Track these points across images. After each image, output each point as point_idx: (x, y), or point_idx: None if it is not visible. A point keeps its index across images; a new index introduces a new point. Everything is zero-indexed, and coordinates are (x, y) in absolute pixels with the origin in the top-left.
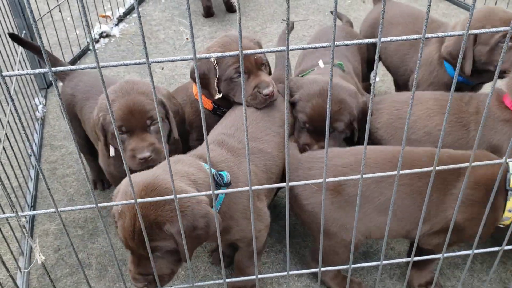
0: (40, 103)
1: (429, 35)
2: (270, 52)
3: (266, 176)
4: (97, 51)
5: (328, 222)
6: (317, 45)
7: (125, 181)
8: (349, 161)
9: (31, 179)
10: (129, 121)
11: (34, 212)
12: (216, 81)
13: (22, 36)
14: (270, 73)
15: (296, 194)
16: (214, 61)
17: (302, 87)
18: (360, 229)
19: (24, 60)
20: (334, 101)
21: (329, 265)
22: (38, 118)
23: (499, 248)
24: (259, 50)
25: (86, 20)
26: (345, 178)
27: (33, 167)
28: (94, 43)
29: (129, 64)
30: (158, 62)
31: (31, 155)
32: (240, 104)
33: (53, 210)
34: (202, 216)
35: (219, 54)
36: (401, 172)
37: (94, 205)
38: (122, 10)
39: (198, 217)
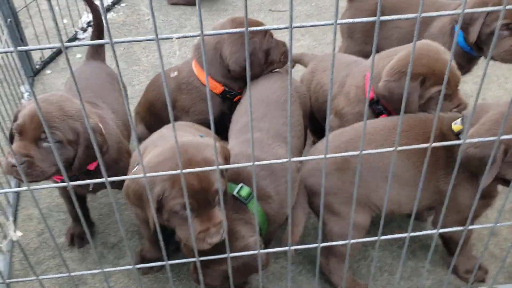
0: (26, 91)
1: (425, 14)
2: (274, 29)
3: None
4: (84, 40)
5: (339, 201)
6: (321, 22)
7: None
8: (351, 136)
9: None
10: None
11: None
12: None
13: (7, 23)
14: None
15: (303, 177)
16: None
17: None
18: (373, 200)
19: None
20: None
21: (335, 252)
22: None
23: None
24: (264, 28)
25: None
26: (344, 154)
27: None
28: (82, 32)
29: (139, 41)
30: (166, 38)
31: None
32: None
33: (65, 184)
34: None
35: (227, 31)
36: (398, 148)
37: (66, 184)
38: (110, 0)
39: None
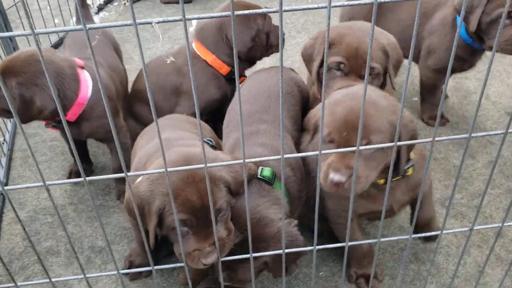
0: None
1: None
2: (264, 12)
3: None
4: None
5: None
6: (314, 6)
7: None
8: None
9: (2, 167)
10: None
11: (17, 187)
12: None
13: None
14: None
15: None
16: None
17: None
18: None
19: None
20: (366, 39)
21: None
22: None
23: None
24: (254, 11)
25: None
26: (340, 150)
27: (4, 155)
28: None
29: (166, 21)
30: (146, 23)
31: (3, 143)
32: None
33: (40, 184)
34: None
35: (211, 15)
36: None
37: (82, 179)
38: None
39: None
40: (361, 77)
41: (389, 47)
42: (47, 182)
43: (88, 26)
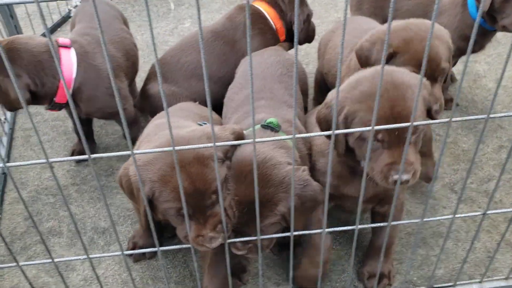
0: None
1: None
2: None
3: None
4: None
5: None
6: None
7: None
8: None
9: (3, 146)
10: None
11: (18, 164)
12: None
13: None
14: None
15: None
16: None
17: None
18: None
19: None
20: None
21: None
22: None
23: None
24: None
25: None
26: (353, 130)
27: (5, 134)
28: (73, 9)
29: None
30: None
31: (4, 122)
32: None
33: (43, 161)
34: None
35: None
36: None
37: (87, 156)
38: None
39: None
40: (435, 79)
41: (450, 41)
42: (50, 160)
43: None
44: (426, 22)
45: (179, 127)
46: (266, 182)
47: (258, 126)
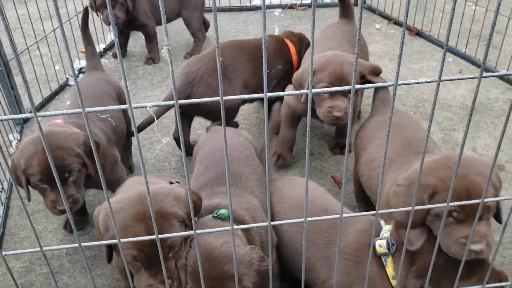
0: (14, 139)
1: None
2: None
3: None
4: (75, 87)
5: None
6: None
7: None
8: None
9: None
10: (48, 175)
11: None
12: None
13: None
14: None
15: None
16: None
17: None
18: None
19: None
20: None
21: None
22: (11, 154)
23: None
24: None
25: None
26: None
27: (2, 204)
28: (75, 76)
29: (159, 105)
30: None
31: (1, 191)
32: None
33: (37, 250)
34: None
35: None
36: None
37: (77, 244)
38: (102, 46)
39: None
40: (344, 94)
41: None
42: (44, 248)
43: (87, 110)
44: (341, 53)
45: (151, 183)
46: (229, 260)
47: (209, 216)
